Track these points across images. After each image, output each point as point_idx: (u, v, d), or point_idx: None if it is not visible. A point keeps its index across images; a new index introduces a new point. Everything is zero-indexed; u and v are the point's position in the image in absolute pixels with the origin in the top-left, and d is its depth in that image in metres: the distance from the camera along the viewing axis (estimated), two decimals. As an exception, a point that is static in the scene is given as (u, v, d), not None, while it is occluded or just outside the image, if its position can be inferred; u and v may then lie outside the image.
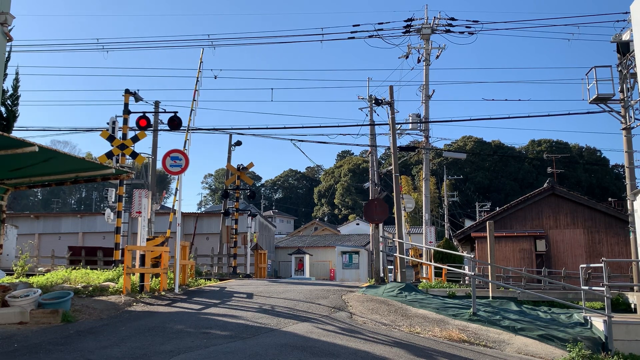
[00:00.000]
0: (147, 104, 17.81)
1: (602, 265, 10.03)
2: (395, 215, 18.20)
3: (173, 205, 18.55)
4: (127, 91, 15.94)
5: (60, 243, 29.47)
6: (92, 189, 78.44)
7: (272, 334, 7.48)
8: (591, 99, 16.98)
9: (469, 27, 23.32)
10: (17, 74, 14.91)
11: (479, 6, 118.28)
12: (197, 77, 19.38)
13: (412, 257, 19.84)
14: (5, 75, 10.97)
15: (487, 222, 13.40)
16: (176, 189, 14.38)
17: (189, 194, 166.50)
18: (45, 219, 33.58)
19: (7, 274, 12.98)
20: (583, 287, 11.55)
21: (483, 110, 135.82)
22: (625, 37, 16.29)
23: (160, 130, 22.18)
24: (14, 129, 14.60)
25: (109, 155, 14.37)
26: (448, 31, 23.77)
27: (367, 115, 21.49)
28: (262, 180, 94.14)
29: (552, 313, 11.05)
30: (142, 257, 11.65)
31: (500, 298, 12.03)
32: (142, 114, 15.44)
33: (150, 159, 22.63)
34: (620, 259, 20.90)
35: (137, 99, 16.62)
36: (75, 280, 11.40)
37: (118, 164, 13.77)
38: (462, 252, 26.17)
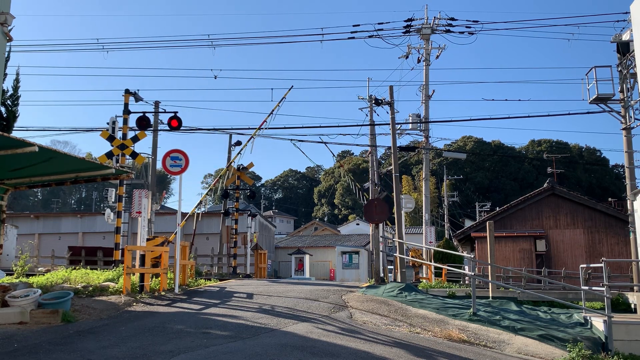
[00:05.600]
0: (147, 104, 17.82)
1: (602, 265, 10.03)
2: (395, 215, 18.20)
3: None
4: (127, 91, 15.96)
5: (60, 243, 29.47)
6: (92, 189, 78.41)
7: (272, 334, 7.48)
8: (591, 99, 16.99)
9: (469, 27, 23.35)
10: (17, 74, 14.92)
11: (479, 6, 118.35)
12: (273, 111, 19.76)
13: (412, 257, 19.83)
14: (5, 75, 10.97)
15: (487, 222, 13.40)
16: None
17: (189, 194, 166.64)
18: (45, 219, 33.57)
19: (7, 274, 12.98)
20: (583, 287, 11.56)
21: (483, 110, 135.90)
22: (625, 37, 16.30)
23: (160, 130, 22.20)
24: (14, 129, 14.60)
25: (109, 155, 14.38)
26: (448, 31, 23.79)
27: (367, 115, 21.47)
28: (262, 180, 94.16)
29: (552, 313, 11.06)
30: (142, 257, 11.66)
31: (500, 298, 12.04)
32: (142, 114, 15.46)
33: (150, 159, 22.64)
34: (620, 259, 20.90)
35: (137, 99, 16.64)
36: (75, 280, 11.40)
37: (118, 164, 13.78)
38: (462, 252, 26.17)
